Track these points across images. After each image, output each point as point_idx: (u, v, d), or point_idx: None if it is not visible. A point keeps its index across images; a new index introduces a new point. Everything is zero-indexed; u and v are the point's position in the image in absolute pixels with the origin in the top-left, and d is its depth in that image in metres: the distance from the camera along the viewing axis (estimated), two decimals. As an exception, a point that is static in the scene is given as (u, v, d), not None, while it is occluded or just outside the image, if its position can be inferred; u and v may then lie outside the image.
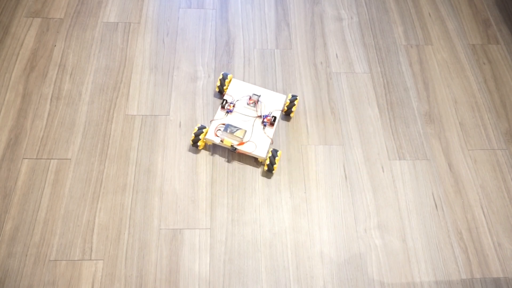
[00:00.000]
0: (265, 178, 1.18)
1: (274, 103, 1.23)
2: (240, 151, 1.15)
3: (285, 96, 1.25)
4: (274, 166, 1.13)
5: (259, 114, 1.20)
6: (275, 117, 1.19)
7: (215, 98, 1.30)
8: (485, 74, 1.42)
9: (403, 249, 1.10)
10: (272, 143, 1.19)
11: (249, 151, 1.14)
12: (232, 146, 1.13)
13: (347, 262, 1.08)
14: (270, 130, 1.18)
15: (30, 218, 1.07)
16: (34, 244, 1.04)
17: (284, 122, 1.27)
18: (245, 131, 1.15)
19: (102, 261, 1.04)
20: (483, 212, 1.17)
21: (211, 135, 1.16)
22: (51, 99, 1.26)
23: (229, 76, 1.26)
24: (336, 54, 1.42)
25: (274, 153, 1.14)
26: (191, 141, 1.17)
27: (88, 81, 1.30)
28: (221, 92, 1.28)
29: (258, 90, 1.25)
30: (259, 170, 1.19)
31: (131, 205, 1.11)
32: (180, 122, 1.25)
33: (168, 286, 1.02)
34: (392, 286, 1.05)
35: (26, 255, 1.03)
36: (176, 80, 1.33)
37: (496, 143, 1.28)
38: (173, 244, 1.07)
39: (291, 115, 1.25)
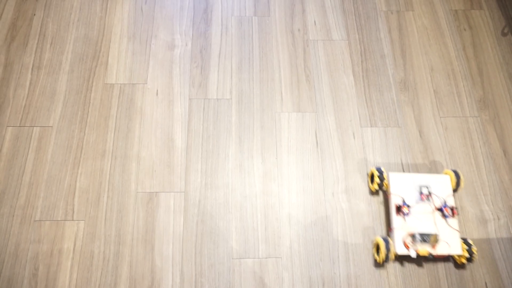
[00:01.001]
0: (238, 145, 1.22)
1: (441, 187, 1.12)
2: (437, 256, 1.06)
3: (447, 176, 1.14)
4: (473, 256, 1.06)
5: (437, 207, 1.10)
6: (454, 208, 1.10)
7: (193, 67, 1.33)
8: (464, 41, 1.41)
9: (368, 212, 1.16)
10: (459, 234, 1.09)
11: (446, 253, 1.06)
12: (429, 254, 1.05)
13: (314, 223, 1.14)
14: (453, 222, 1.09)
15: (16, 182, 1.14)
16: (19, 206, 1.12)
17: (258, 90, 1.30)
18: (437, 235, 1.06)
19: (83, 221, 1.11)
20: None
21: (401, 248, 1.05)
22: (32, 69, 1.29)
23: (384, 174, 1.14)
24: (315, 21, 1.42)
25: (467, 243, 1.08)
26: (380, 260, 1.06)
27: (68, 50, 1.33)
28: (377, 191, 1.18)
29: (421, 179, 1.13)
30: (233, 137, 1.23)
31: (110, 170, 1.17)
32: (157, 90, 1.29)
33: (144, 244, 1.09)
34: (355, 246, 1.12)
35: (13, 216, 1.11)
36: (154, 49, 1.35)
37: (469, 111, 1.30)
38: (149, 206, 1.14)
39: (458, 191, 1.18)
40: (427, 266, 1.10)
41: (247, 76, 1.32)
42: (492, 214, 1.16)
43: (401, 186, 1.12)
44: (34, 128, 1.21)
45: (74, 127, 1.22)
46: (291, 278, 1.08)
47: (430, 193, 1.10)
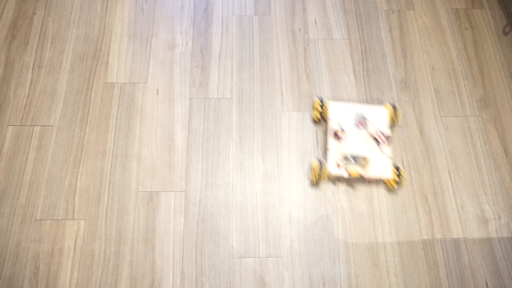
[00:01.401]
0: (238, 144, 1.22)
1: (378, 117, 1.20)
2: (368, 178, 1.14)
3: (384, 108, 1.21)
4: (403, 181, 1.14)
5: (371, 134, 1.17)
6: (388, 136, 1.17)
7: (193, 66, 1.33)
8: (465, 40, 1.40)
9: (368, 211, 1.16)
10: (391, 160, 1.16)
11: (376, 175, 1.13)
12: (359, 175, 1.12)
13: (314, 223, 1.14)
14: (386, 148, 1.16)
15: (16, 181, 1.15)
16: (20, 205, 1.12)
17: (259, 89, 1.30)
18: (367, 157, 1.13)
19: (84, 220, 1.11)
20: (450, 177, 1.21)
21: (334, 169, 1.13)
22: (32, 68, 1.29)
23: (325, 103, 1.21)
24: (315, 20, 1.41)
25: (397, 168, 1.15)
26: (313, 180, 1.15)
27: (69, 49, 1.33)
28: (319, 120, 1.24)
29: (358, 108, 1.21)
30: (233, 136, 1.23)
31: (110, 169, 1.17)
32: (157, 89, 1.29)
33: (145, 244, 1.09)
34: (356, 246, 1.12)
35: (14, 215, 1.11)
36: (154, 48, 1.35)
37: (470, 110, 1.30)
38: (149, 206, 1.14)
39: (395, 125, 1.25)
40: (428, 265, 1.10)
41: (247, 76, 1.32)
42: (493, 213, 1.16)
43: (340, 114, 1.20)
44: (35, 127, 1.21)
45: (74, 126, 1.22)
46: (292, 277, 1.08)
47: (365, 120, 1.18)
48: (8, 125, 1.21)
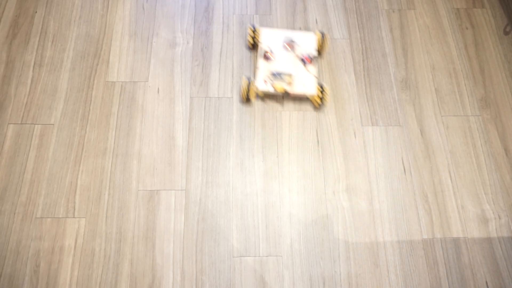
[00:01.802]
0: (239, 143, 1.22)
1: (307, 42, 1.29)
2: (292, 94, 1.22)
3: (314, 34, 1.31)
4: (326, 96, 1.22)
5: (298, 56, 1.26)
6: (314, 56, 1.26)
7: (194, 65, 1.33)
8: (466, 39, 1.40)
9: (369, 210, 1.16)
10: (317, 79, 1.26)
11: (301, 92, 1.21)
12: (285, 91, 1.20)
13: (315, 222, 1.14)
14: (312, 68, 1.25)
15: (17, 180, 1.15)
16: (21, 203, 1.12)
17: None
18: (292, 74, 1.22)
19: (84, 219, 1.11)
20: (450, 176, 1.21)
21: (261, 85, 1.21)
22: (33, 66, 1.30)
23: (257, 28, 1.30)
24: (316, 20, 1.41)
25: (322, 86, 1.22)
26: (243, 97, 1.23)
27: (69, 48, 1.33)
28: (253, 45, 1.33)
29: (288, 34, 1.30)
30: (234, 135, 1.23)
31: (111, 167, 1.17)
32: (158, 88, 1.29)
33: (145, 242, 1.10)
34: (356, 245, 1.12)
35: (14, 213, 1.11)
36: (155, 47, 1.35)
37: (470, 110, 1.30)
38: (150, 204, 1.14)
39: (323, 53, 1.33)
40: (428, 265, 1.10)
41: (248, 75, 1.32)
42: (493, 213, 1.16)
43: (271, 39, 1.30)
44: (36, 125, 1.21)
45: (75, 124, 1.22)
46: (292, 276, 1.08)
47: (293, 43, 1.27)
48: (9, 124, 1.21)
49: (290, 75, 1.22)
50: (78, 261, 1.07)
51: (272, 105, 1.28)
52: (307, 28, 1.40)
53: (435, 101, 1.31)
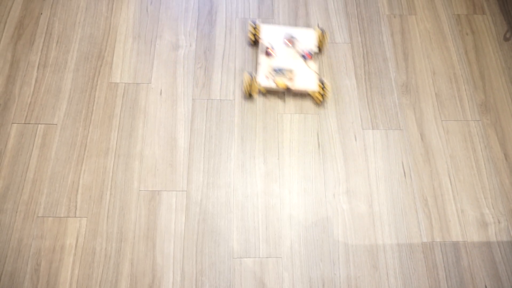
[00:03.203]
0: (240, 145, 1.23)
1: (307, 38, 1.31)
2: (294, 90, 1.23)
3: (313, 31, 1.32)
4: (327, 93, 1.23)
5: (299, 52, 1.28)
6: (314, 52, 1.27)
7: (197, 68, 1.34)
8: (466, 45, 1.42)
9: (368, 213, 1.16)
10: (318, 75, 1.27)
11: (302, 87, 1.23)
12: (286, 86, 1.21)
13: (315, 224, 1.15)
14: (313, 65, 1.26)
15: (20, 178, 1.16)
16: (23, 202, 1.13)
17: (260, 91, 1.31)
18: (293, 70, 1.23)
19: (85, 218, 1.12)
20: (450, 180, 1.21)
21: (263, 81, 1.23)
22: (38, 67, 1.31)
23: (257, 24, 1.31)
24: (318, 24, 1.43)
25: (323, 82, 1.23)
26: (245, 92, 1.25)
27: (74, 49, 1.34)
28: (255, 42, 1.34)
29: (289, 30, 1.32)
30: (235, 137, 1.24)
31: (113, 167, 1.18)
32: (161, 90, 1.30)
33: (146, 242, 1.10)
34: (355, 248, 1.12)
35: (16, 212, 1.12)
36: (158, 49, 1.36)
37: (470, 114, 1.31)
38: (151, 205, 1.14)
39: (323, 48, 1.35)
40: (428, 268, 1.10)
41: (250, 71, 1.33)
42: (492, 217, 1.17)
43: (272, 35, 1.31)
44: (39, 125, 1.23)
45: (78, 125, 1.23)
46: (291, 278, 1.08)
47: (294, 39, 1.28)
48: (12, 123, 1.22)
49: (291, 71, 1.23)
50: (79, 260, 1.07)
51: (273, 107, 1.29)
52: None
53: (435, 106, 1.31)
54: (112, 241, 1.10)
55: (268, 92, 1.28)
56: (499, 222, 1.16)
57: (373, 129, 1.27)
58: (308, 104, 1.30)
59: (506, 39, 1.43)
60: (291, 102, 1.30)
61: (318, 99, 1.25)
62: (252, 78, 1.23)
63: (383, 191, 1.19)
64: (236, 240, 1.12)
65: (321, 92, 1.23)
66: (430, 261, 1.11)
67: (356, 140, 1.25)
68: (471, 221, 1.16)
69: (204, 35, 1.39)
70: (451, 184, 1.21)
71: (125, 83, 1.30)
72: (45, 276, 1.05)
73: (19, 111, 1.24)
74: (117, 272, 1.06)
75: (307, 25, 1.42)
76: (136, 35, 1.38)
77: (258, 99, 1.30)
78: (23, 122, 1.23)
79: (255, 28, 1.31)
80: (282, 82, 1.21)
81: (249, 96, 1.25)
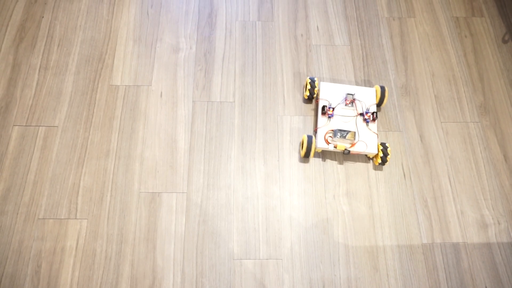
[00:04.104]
0: (240, 147, 1.24)
1: (367, 97, 1.25)
2: (354, 153, 1.18)
3: (373, 89, 1.26)
4: (388, 157, 1.17)
5: (360, 112, 1.22)
6: (375, 113, 1.21)
7: (197, 70, 1.35)
8: (465, 47, 1.42)
9: (368, 215, 1.16)
10: (378, 137, 1.22)
11: (361, 151, 1.17)
12: (345, 149, 1.16)
13: (315, 226, 1.15)
14: (373, 126, 1.21)
15: (20, 180, 1.16)
16: (24, 204, 1.13)
17: (261, 93, 1.32)
18: (355, 133, 1.17)
19: (86, 220, 1.12)
20: (450, 182, 1.21)
21: (322, 144, 1.18)
22: (39, 69, 1.32)
23: (316, 83, 1.26)
24: (317, 27, 1.44)
25: (384, 145, 1.18)
26: (302, 154, 1.19)
27: (75, 52, 1.35)
28: (310, 98, 1.29)
29: (348, 88, 1.26)
30: (235, 139, 1.25)
31: (113, 169, 1.19)
32: (161, 92, 1.31)
33: (146, 244, 1.10)
34: (356, 249, 1.12)
35: (17, 214, 1.12)
36: (159, 52, 1.37)
37: (470, 116, 1.31)
38: (151, 206, 1.15)
39: (382, 105, 1.30)
40: (428, 270, 1.10)
41: (250, 80, 1.34)
42: (492, 218, 1.17)
43: (330, 93, 1.26)
44: (40, 127, 1.23)
45: (79, 127, 1.24)
46: (292, 279, 1.08)
47: (354, 99, 1.23)
48: (14, 125, 1.23)
49: (352, 134, 1.16)
50: (79, 262, 1.07)
51: (273, 108, 1.30)
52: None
53: (434, 108, 1.32)
54: (113, 243, 1.10)
55: (324, 154, 1.23)
56: (499, 224, 1.16)
57: (372, 130, 1.27)
58: (307, 105, 1.31)
59: (504, 41, 1.43)
60: (290, 104, 1.30)
61: (377, 161, 1.19)
62: (311, 140, 1.17)
63: (383, 192, 1.19)
64: (236, 241, 1.12)
65: (381, 155, 1.18)
66: (430, 263, 1.11)
67: (355, 141, 1.26)
68: (471, 223, 1.16)
69: (204, 37, 1.40)
70: (451, 186, 1.21)
71: (125, 85, 1.31)
72: (45, 278, 1.05)
73: (20, 114, 1.25)
74: (118, 274, 1.06)
75: (307, 28, 1.43)
76: (137, 38, 1.39)
77: (259, 100, 1.31)
78: (24, 124, 1.23)
79: (311, 85, 1.25)
80: (342, 145, 1.16)
81: (305, 156, 1.20)
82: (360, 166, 1.22)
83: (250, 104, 1.30)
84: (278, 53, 1.38)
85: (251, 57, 1.37)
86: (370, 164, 1.23)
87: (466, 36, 1.44)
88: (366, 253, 1.12)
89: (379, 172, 1.22)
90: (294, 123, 1.28)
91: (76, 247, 1.09)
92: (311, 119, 1.29)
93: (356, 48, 1.41)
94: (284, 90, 1.33)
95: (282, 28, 1.43)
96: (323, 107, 1.21)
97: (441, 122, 1.30)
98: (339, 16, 1.46)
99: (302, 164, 1.22)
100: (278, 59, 1.37)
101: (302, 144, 1.20)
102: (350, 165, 1.22)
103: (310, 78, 1.26)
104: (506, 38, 1.44)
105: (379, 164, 1.19)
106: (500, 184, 1.21)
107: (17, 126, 1.23)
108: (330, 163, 1.22)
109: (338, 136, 1.16)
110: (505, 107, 1.32)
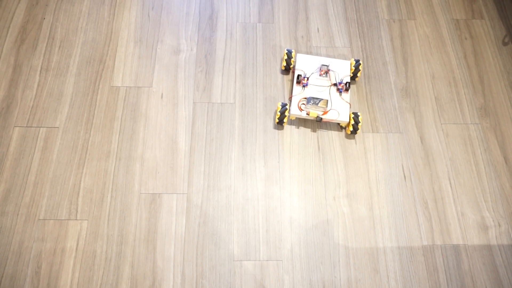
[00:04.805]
0: (240, 148, 1.24)
1: (342, 69, 1.30)
2: (325, 120, 1.22)
3: (349, 62, 1.32)
4: (359, 125, 1.21)
5: (333, 82, 1.28)
6: (348, 83, 1.26)
7: (198, 71, 1.35)
8: (465, 49, 1.43)
9: (369, 216, 1.16)
10: (350, 107, 1.27)
11: (334, 119, 1.22)
12: (317, 117, 1.20)
13: (315, 227, 1.15)
14: (346, 96, 1.26)
15: (21, 181, 1.16)
16: (24, 205, 1.13)
17: (261, 95, 1.32)
18: (327, 101, 1.22)
19: (86, 221, 1.12)
20: (450, 183, 1.21)
21: (295, 110, 1.23)
22: (40, 71, 1.32)
23: (292, 54, 1.31)
24: (318, 28, 1.44)
25: (356, 114, 1.22)
26: (276, 120, 1.23)
27: (76, 53, 1.36)
28: (287, 69, 1.34)
29: (324, 60, 1.32)
30: (235, 140, 1.25)
31: (114, 170, 1.19)
32: (162, 93, 1.31)
33: (146, 245, 1.10)
34: (356, 250, 1.12)
35: (18, 214, 1.12)
36: (159, 53, 1.37)
37: (470, 118, 1.31)
38: (152, 207, 1.15)
39: (356, 79, 1.33)
40: (428, 271, 1.10)
41: (250, 81, 1.34)
42: (493, 220, 1.17)
43: (306, 64, 1.31)
44: (41, 128, 1.23)
45: (80, 128, 1.24)
46: (292, 281, 1.08)
47: (328, 70, 1.28)
48: (14, 126, 1.23)
49: (325, 102, 1.21)
50: (80, 263, 1.07)
51: (273, 109, 1.30)
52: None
53: (435, 109, 1.32)
54: (113, 244, 1.10)
55: (299, 121, 1.27)
56: (499, 225, 1.16)
57: (373, 132, 1.28)
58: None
59: (504, 43, 1.44)
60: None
61: (349, 130, 1.23)
62: (285, 107, 1.22)
63: (383, 194, 1.19)
64: (237, 242, 1.12)
65: (352, 123, 1.21)
66: (431, 264, 1.11)
67: (356, 143, 1.26)
68: (471, 224, 1.16)
69: (205, 39, 1.41)
70: (451, 187, 1.21)
71: (126, 86, 1.31)
72: (45, 278, 1.05)
73: (21, 115, 1.25)
74: (118, 275, 1.06)
75: (308, 30, 1.44)
76: (138, 39, 1.39)
77: (259, 102, 1.31)
78: (25, 125, 1.23)
79: (288, 56, 1.30)
80: (314, 113, 1.21)
81: (279, 123, 1.24)
82: (361, 167, 1.22)
83: (251, 105, 1.30)
84: (279, 54, 1.39)
85: (251, 59, 1.38)
86: (342, 133, 1.25)
87: (466, 38, 1.45)
88: (366, 254, 1.11)
89: (379, 173, 1.22)
90: (294, 124, 1.28)
91: (76, 248, 1.09)
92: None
93: (356, 50, 1.41)
94: (284, 91, 1.33)
95: (283, 30, 1.43)
96: (298, 76, 1.26)
97: (442, 124, 1.30)
98: (339, 18, 1.47)
99: (302, 165, 1.22)
100: (278, 61, 1.38)
101: (277, 111, 1.24)
102: (350, 166, 1.23)
103: (287, 50, 1.31)
104: (506, 40, 1.44)
105: (351, 132, 1.22)
106: (500, 186, 1.21)
107: (18, 127, 1.23)
108: (331, 164, 1.23)
109: (311, 103, 1.21)
110: (505, 109, 1.33)
